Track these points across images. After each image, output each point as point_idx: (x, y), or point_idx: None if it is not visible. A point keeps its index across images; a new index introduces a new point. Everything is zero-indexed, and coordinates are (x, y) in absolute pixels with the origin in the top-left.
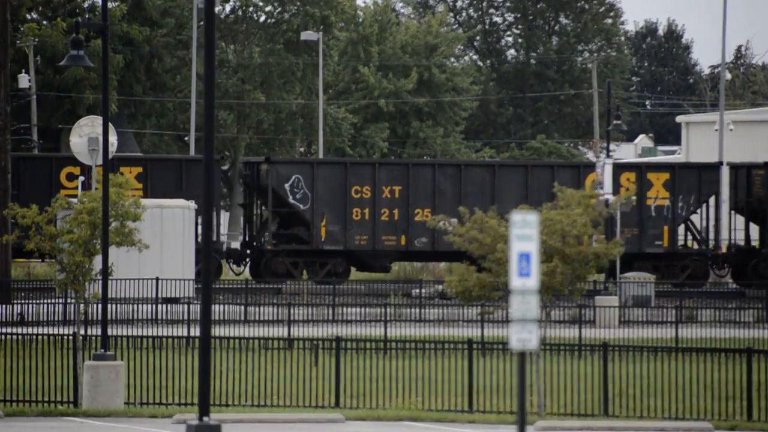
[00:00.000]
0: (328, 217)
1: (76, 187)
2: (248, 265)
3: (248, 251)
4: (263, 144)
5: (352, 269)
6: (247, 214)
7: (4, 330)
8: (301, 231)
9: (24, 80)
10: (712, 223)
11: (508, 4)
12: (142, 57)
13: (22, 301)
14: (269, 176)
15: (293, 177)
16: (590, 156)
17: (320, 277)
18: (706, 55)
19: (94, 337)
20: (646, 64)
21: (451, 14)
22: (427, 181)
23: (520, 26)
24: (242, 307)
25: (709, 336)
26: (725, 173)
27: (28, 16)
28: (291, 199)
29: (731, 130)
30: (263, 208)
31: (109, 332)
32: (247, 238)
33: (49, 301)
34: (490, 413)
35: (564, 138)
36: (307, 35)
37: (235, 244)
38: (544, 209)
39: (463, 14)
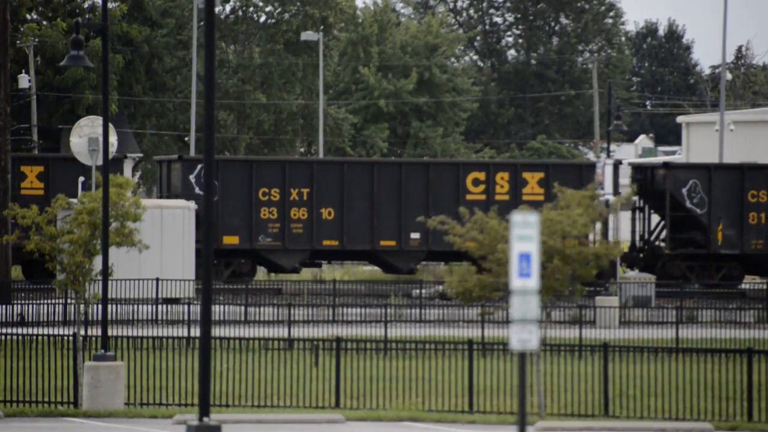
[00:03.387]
0: (724, 221)
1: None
2: (640, 268)
3: (641, 255)
4: (263, 144)
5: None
6: (634, 217)
7: (4, 330)
8: (697, 235)
9: (24, 80)
10: None
11: (508, 4)
12: (142, 57)
13: (23, 302)
14: (666, 181)
15: (690, 182)
16: (590, 156)
17: (716, 280)
18: (706, 56)
19: (94, 338)
20: (646, 64)
21: (452, 14)
22: None
23: (520, 26)
24: (242, 308)
25: (709, 336)
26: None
27: (28, 17)
28: (688, 204)
29: (732, 130)
30: (651, 211)
31: (110, 333)
32: (638, 242)
33: (49, 301)
34: (491, 414)
35: (564, 138)
36: (307, 35)
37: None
38: (544, 210)
39: (464, 14)
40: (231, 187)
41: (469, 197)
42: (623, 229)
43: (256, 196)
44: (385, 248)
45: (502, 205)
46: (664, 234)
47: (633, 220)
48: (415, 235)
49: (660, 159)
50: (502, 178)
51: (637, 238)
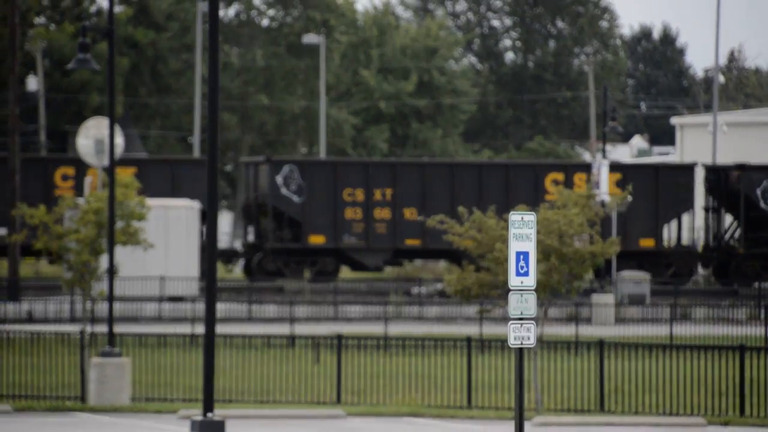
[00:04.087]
0: None
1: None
2: (714, 267)
3: (714, 254)
4: (266, 145)
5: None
6: (708, 218)
7: (12, 327)
8: None
9: (32, 83)
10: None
11: (506, 8)
12: (147, 60)
13: (31, 299)
14: (740, 182)
15: (764, 182)
16: (587, 157)
17: None
18: (700, 58)
19: (100, 335)
20: (641, 66)
21: (450, 18)
22: None
23: (517, 30)
24: (245, 306)
25: (702, 333)
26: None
27: (36, 21)
28: (762, 204)
29: (725, 131)
30: (724, 211)
31: (115, 330)
32: (711, 242)
33: (56, 299)
34: (489, 409)
35: (561, 139)
36: (308, 38)
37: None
38: (541, 209)
39: (462, 18)
40: (317, 188)
41: (548, 197)
42: (698, 229)
43: (341, 196)
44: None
45: None
46: (737, 234)
47: (706, 220)
48: None
49: (657, 158)
50: (581, 179)
51: (711, 238)
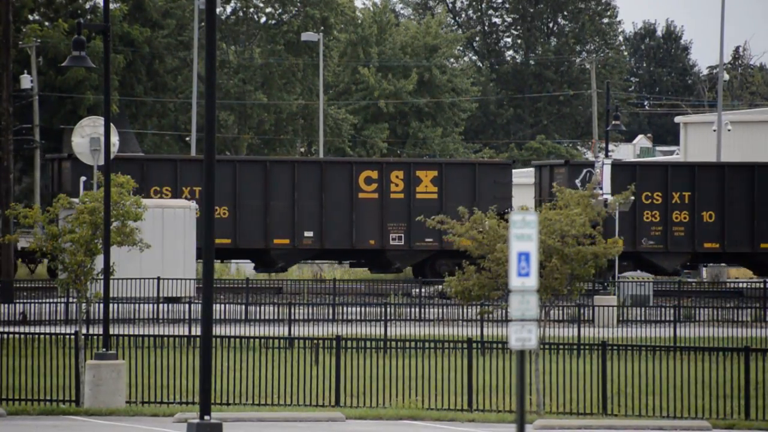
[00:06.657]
0: None
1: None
2: None
3: None
4: (264, 144)
5: None
6: None
7: (6, 329)
8: None
9: (26, 81)
10: None
11: (506, 5)
12: (143, 58)
13: (25, 301)
14: None
15: None
16: (589, 156)
17: None
18: (704, 56)
19: (95, 337)
20: (644, 64)
21: (451, 15)
22: None
23: (518, 27)
24: (243, 307)
25: (707, 335)
26: None
27: (30, 17)
28: None
29: (729, 130)
30: None
31: (111, 331)
32: None
33: (51, 300)
34: (490, 412)
35: (563, 138)
36: (307, 36)
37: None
38: (543, 209)
39: (463, 15)
40: (615, 192)
41: None
42: None
43: (639, 199)
44: (765, 250)
45: None
46: None
47: None
48: None
49: (659, 159)
50: None
51: None
